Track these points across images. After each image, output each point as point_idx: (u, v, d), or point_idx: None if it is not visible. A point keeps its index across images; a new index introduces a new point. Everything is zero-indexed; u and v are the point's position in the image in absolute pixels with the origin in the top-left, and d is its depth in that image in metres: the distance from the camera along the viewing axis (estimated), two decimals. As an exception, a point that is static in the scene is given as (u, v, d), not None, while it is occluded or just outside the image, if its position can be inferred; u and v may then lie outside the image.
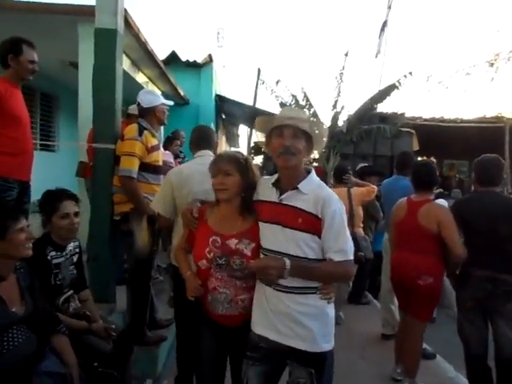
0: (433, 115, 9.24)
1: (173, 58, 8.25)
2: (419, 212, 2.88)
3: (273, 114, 8.88)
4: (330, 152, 7.63)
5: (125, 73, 3.44)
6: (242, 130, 13.16)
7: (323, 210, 1.67)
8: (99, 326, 2.36)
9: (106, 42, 3.01)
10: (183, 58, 8.51)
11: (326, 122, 8.04)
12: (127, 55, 5.31)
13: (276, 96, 8.27)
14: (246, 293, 1.84)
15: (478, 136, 8.90)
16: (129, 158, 2.87)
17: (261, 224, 1.81)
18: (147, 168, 2.97)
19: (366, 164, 5.94)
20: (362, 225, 4.42)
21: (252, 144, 9.84)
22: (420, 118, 9.26)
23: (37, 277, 2.06)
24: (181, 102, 7.88)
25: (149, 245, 2.91)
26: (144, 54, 5.50)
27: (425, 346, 3.35)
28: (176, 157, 5.19)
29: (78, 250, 2.52)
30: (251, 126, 9.18)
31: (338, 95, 8.08)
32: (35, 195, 2.87)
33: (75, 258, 2.48)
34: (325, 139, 1.83)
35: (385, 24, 8.67)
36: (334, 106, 8.12)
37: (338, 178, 4.46)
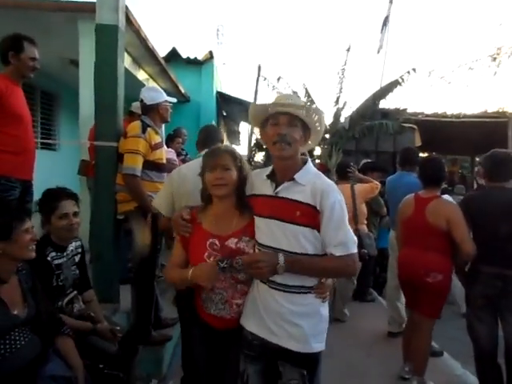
0: (435, 110, 9.20)
1: (173, 55, 8.18)
2: (427, 209, 2.84)
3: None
4: (332, 148, 7.57)
5: (126, 70, 3.39)
6: (243, 127, 13.07)
7: (322, 201, 1.59)
8: (104, 328, 2.32)
9: (107, 38, 2.97)
10: (183, 55, 8.44)
11: (328, 118, 7.98)
12: (128, 52, 5.26)
13: (277, 92, 8.20)
14: (243, 298, 1.76)
15: (481, 131, 8.85)
16: (132, 155, 2.83)
17: (256, 219, 1.73)
18: (151, 166, 2.94)
19: (370, 160, 5.89)
20: (365, 222, 4.39)
21: (254, 141, 9.79)
22: (422, 113, 9.21)
23: (38, 278, 2.02)
24: (181, 99, 7.82)
25: (149, 244, 2.87)
26: (145, 51, 5.45)
27: (432, 343, 3.32)
28: (178, 155, 5.13)
29: (80, 250, 2.48)
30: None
31: (340, 91, 8.01)
32: (36, 194, 2.82)
33: (77, 258, 2.45)
34: (323, 128, 1.72)
35: (387, 19, 8.60)
36: (336, 102, 8.05)
37: (342, 175, 4.42)
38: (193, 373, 1.96)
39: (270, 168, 1.77)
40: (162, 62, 6.16)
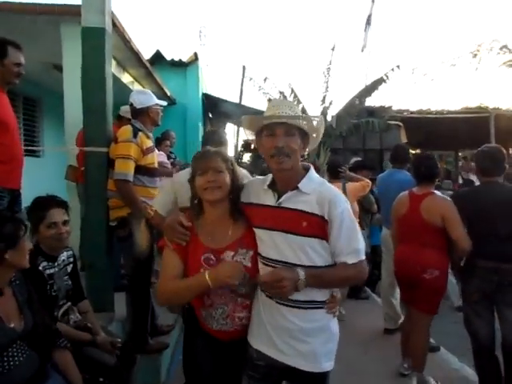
0: (419, 107, 9.34)
1: (157, 58, 8.10)
2: (422, 205, 2.86)
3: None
4: (320, 147, 7.60)
5: (111, 73, 3.32)
6: (230, 128, 13.02)
7: (330, 211, 1.50)
8: (104, 340, 2.26)
9: (94, 41, 2.91)
10: (168, 58, 8.36)
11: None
12: (112, 55, 5.17)
13: (264, 93, 8.20)
14: (246, 311, 1.66)
15: (464, 127, 9.01)
16: (124, 160, 2.78)
17: (258, 231, 1.62)
18: (143, 171, 2.89)
19: (359, 158, 5.94)
20: (358, 220, 4.40)
21: (241, 142, 9.77)
22: (407, 110, 9.34)
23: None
24: (167, 102, 7.74)
25: (148, 246, 2.81)
26: (130, 54, 5.37)
27: (429, 339, 3.34)
28: (167, 158, 5.08)
29: (72, 260, 2.41)
30: (239, 124, 9.11)
31: (326, 90, 8.06)
32: (22, 203, 2.75)
33: (69, 268, 2.38)
34: (322, 132, 1.63)
35: (369, 18, 8.67)
36: (323, 101, 8.10)
37: (333, 174, 4.42)
38: (196, 379, 1.88)
39: (269, 177, 1.67)
40: (147, 64, 6.09)
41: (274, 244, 1.56)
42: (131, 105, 2.99)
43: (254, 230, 1.63)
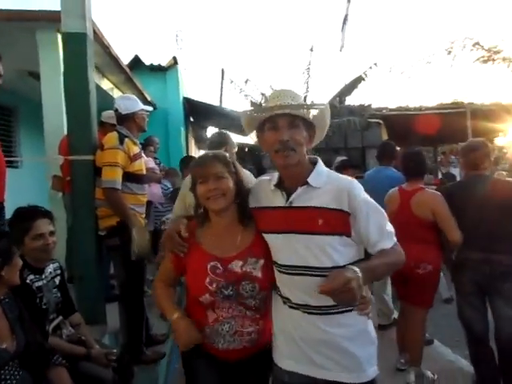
0: (398, 105, 9.49)
1: (136, 63, 8.01)
2: (412, 201, 2.89)
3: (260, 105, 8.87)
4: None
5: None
6: (211, 131, 12.98)
7: (351, 202, 1.37)
8: (99, 353, 2.19)
9: (75, 47, 2.84)
10: (146, 62, 8.27)
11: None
12: (91, 61, 5.08)
13: (245, 95, 8.21)
14: (255, 325, 1.53)
15: (442, 122, 9.20)
16: (111, 168, 2.72)
17: (268, 236, 1.49)
18: (131, 178, 2.83)
19: (345, 158, 5.99)
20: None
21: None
22: (386, 108, 9.48)
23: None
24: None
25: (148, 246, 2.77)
26: (109, 60, 5.29)
27: (423, 332, 3.37)
28: (152, 164, 5.01)
29: (59, 272, 2.34)
30: (220, 127, 9.08)
31: (307, 90, 8.14)
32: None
33: (57, 280, 2.31)
34: (328, 121, 1.51)
35: (346, 18, 8.80)
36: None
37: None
38: None
39: (275, 175, 1.53)
40: (127, 69, 6.01)
41: (290, 248, 1.42)
42: (116, 110, 2.92)
43: (267, 236, 1.50)
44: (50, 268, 2.27)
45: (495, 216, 2.64)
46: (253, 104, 8.23)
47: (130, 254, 2.72)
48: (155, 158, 5.44)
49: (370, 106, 9.40)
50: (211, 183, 1.48)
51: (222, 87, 9.06)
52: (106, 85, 6.00)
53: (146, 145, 5.31)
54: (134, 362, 2.65)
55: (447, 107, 9.08)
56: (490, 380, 2.73)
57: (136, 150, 2.90)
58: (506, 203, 2.57)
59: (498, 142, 10.41)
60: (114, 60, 5.33)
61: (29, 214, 2.14)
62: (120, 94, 6.49)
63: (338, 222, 1.38)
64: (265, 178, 1.62)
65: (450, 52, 10.28)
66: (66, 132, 3.35)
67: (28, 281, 2.08)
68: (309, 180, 1.43)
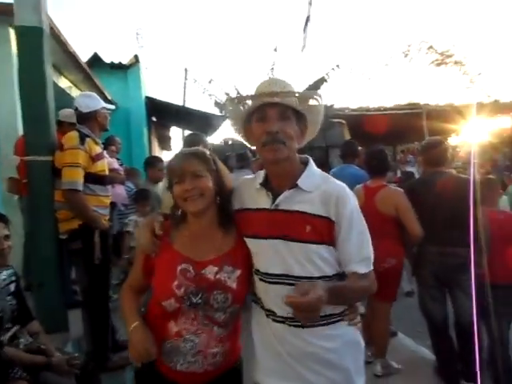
0: (359, 105, 9.76)
1: (95, 60, 7.75)
2: (376, 198, 2.97)
3: (209, 116, 8.86)
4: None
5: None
6: (174, 132, 12.77)
7: (338, 210, 1.27)
8: (60, 360, 2.09)
9: (31, 41, 2.70)
10: (106, 60, 8.02)
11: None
12: (47, 58, 4.86)
13: (209, 95, 8.16)
14: (221, 345, 1.37)
15: (400, 122, 9.57)
16: (72, 169, 2.62)
17: (250, 241, 1.36)
18: (93, 179, 2.74)
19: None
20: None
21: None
22: (347, 108, 9.72)
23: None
24: (109, 106, 7.43)
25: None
26: (66, 57, 5.08)
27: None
28: (114, 164, 4.86)
29: (14, 278, 2.22)
30: (183, 126, 8.96)
31: (271, 91, 8.16)
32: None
33: (12, 287, 2.19)
34: (322, 115, 1.37)
35: (308, 19, 8.91)
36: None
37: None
38: None
39: (261, 173, 1.39)
40: (86, 67, 5.80)
41: (274, 256, 1.30)
42: (76, 109, 2.82)
43: (249, 241, 1.37)
44: (4, 274, 2.15)
45: (451, 210, 2.76)
46: (217, 104, 8.18)
47: (93, 257, 2.63)
48: (117, 159, 5.29)
49: (332, 106, 9.59)
50: (188, 183, 1.34)
51: (185, 87, 8.92)
52: (63, 83, 5.77)
53: (107, 144, 5.15)
54: (100, 369, 2.55)
55: (405, 108, 9.45)
56: (450, 366, 2.87)
57: (98, 149, 2.80)
58: (460, 198, 2.70)
59: (452, 141, 10.96)
60: (72, 57, 5.13)
61: None
62: (79, 92, 6.25)
63: (324, 230, 1.28)
64: (249, 176, 1.50)
65: (406, 55, 10.73)
66: (20, 131, 3.19)
67: (-21, 288, 1.97)
68: (299, 182, 1.30)
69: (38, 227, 2.76)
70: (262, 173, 1.40)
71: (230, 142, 8.73)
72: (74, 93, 6.07)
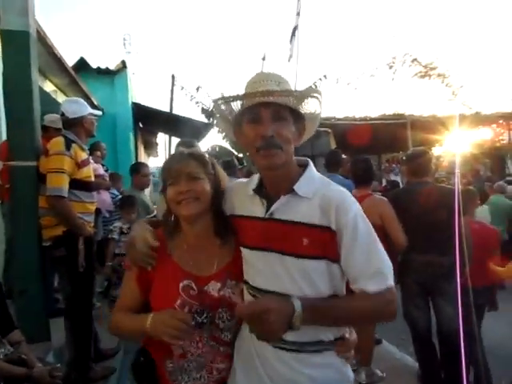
0: (345, 115, 9.91)
1: (82, 65, 7.69)
2: (362, 207, 3.00)
3: (197, 123, 8.83)
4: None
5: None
6: (161, 138, 12.71)
7: (338, 218, 1.11)
8: (42, 371, 2.04)
9: (16, 45, 2.67)
10: (93, 65, 7.97)
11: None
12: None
13: (196, 102, 8.16)
14: (227, 361, 1.27)
15: (385, 132, 9.73)
16: (57, 175, 2.58)
17: (244, 251, 1.24)
18: (79, 185, 2.71)
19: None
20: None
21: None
22: (334, 117, 9.85)
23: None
24: (95, 111, 7.37)
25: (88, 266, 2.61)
26: (51, 61, 5.03)
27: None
28: (99, 170, 4.80)
29: None
30: (170, 133, 8.93)
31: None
32: None
33: None
34: (320, 113, 1.22)
35: (295, 29, 9.02)
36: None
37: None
38: None
39: (255, 177, 1.26)
40: (72, 71, 5.75)
41: (267, 270, 1.16)
42: (63, 114, 2.79)
43: (242, 250, 1.27)
44: None
45: (434, 220, 2.81)
46: (204, 111, 8.18)
47: (77, 265, 2.59)
48: (102, 165, 5.24)
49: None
50: (183, 184, 1.22)
51: (172, 93, 8.90)
52: (48, 87, 5.70)
53: (92, 150, 5.09)
54: (82, 379, 2.51)
55: (390, 118, 9.62)
56: (432, 373, 2.91)
57: (84, 155, 2.77)
58: (444, 207, 2.75)
59: (435, 151, 11.18)
60: (58, 61, 5.08)
61: None
62: (64, 97, 6.19)
63: (325, 242, 1.12)
64: (241, 180, 1.40)
65: (391, 67, 10.93)
66: (4, 135, 3.14)
67: (-41, 297, 1.92)
68: (295, 188, 1.16)
69: (21, 233, 2.71)
70: (255, 177, 1.26)
71: (217, 149, 8.73)
72: (60, 97, 6.00)
